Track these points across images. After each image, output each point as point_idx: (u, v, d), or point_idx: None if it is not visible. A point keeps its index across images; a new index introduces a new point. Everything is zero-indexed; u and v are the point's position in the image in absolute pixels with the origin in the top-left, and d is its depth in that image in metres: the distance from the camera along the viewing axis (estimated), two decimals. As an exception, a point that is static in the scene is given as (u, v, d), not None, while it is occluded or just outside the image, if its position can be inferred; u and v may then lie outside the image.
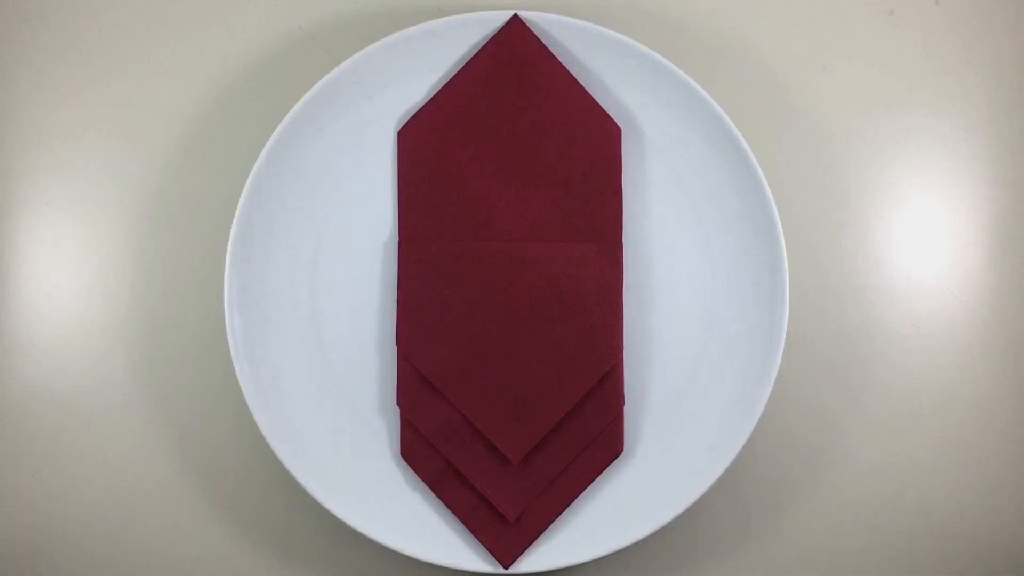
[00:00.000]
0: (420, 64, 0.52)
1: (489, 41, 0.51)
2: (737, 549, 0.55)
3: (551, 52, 0.51)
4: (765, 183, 0.51)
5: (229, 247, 0.51)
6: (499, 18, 0.51)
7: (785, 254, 0.51)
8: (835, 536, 0.54)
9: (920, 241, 0.57)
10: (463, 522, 0.51)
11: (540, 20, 0.51)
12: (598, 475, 0.51)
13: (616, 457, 0.51)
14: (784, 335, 0.51)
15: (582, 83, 0.52)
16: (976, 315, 0.56)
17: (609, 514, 0.51)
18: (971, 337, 0.56)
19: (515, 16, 0.51)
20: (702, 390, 0.52)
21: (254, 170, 0.51)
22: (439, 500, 0.51)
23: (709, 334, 0.52)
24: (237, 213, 0.51)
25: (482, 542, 0.51)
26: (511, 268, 0.51)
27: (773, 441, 0.55)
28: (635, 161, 0.52)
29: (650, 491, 0.51)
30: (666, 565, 0.55)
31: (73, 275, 0.55)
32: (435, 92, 0.52)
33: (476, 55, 0.52)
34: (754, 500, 0.55)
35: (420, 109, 0.52)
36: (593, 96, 0.52)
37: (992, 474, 0.55)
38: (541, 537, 0.51)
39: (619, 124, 0.52)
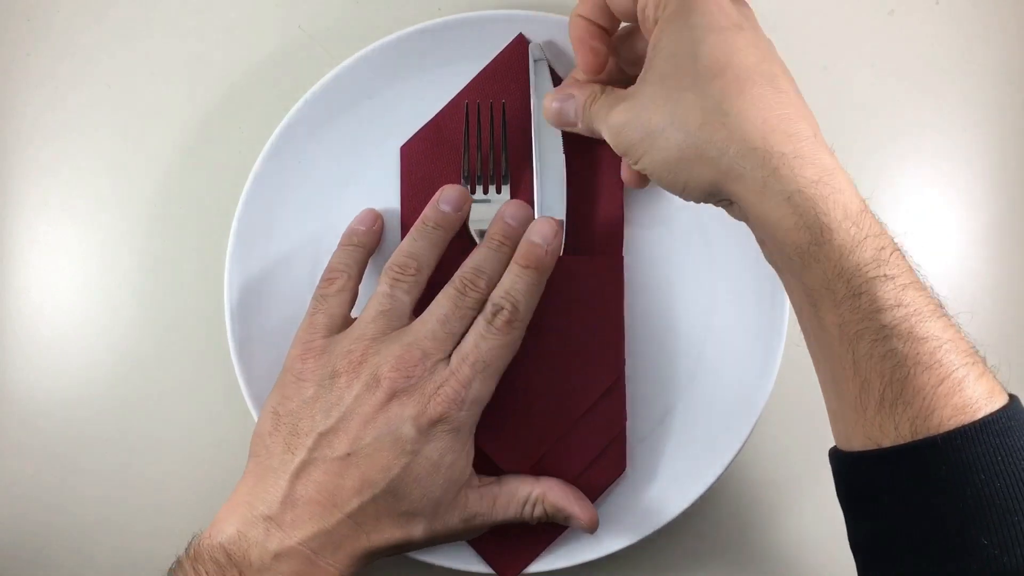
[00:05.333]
0: (420, 64, 0.52)
1: (492, 60, 0.51)
2: (737, 549, 0.55)
3: (554, 69, 0.51)
4: (765, 183, 0.51)
5: (229, 247, 0.51)
6: (498, 18, 0.51)
7: (785, 254, 0.51)
8: (834, 536, 0.54)
9: (920, 241, 0.57)
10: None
11: (540, 20, 0.51)
12: (600, 493, 0.51)
13: (619, 476, 0.51)
14: (784, 335, 0.51)
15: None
16: (976, 315, 0.56)
17: (609, 515, 0.51)
18: (971, 337, 0.56)
19: (520, 35, 0.51)
20: (702, 391, 0.52)
21: (254, 170, 0.51)
22: None
23: (709, 335, 0.52)
24: (237, 213, 0.51)
25: (484, 557, 0.50)
26: None
27: (773, 441, 0.55)
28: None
29: (650, 491, 0.51)
30: (667, 565, 0.55)
31: (73, 275, 0.55)
32: (436, 100, 0.52)
33: (479, 74, 0.51)
34: (754, 500, 0.55)
35: (423, 126, 0.52)
36: None
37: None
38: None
39: None
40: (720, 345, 0.52)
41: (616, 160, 0.50)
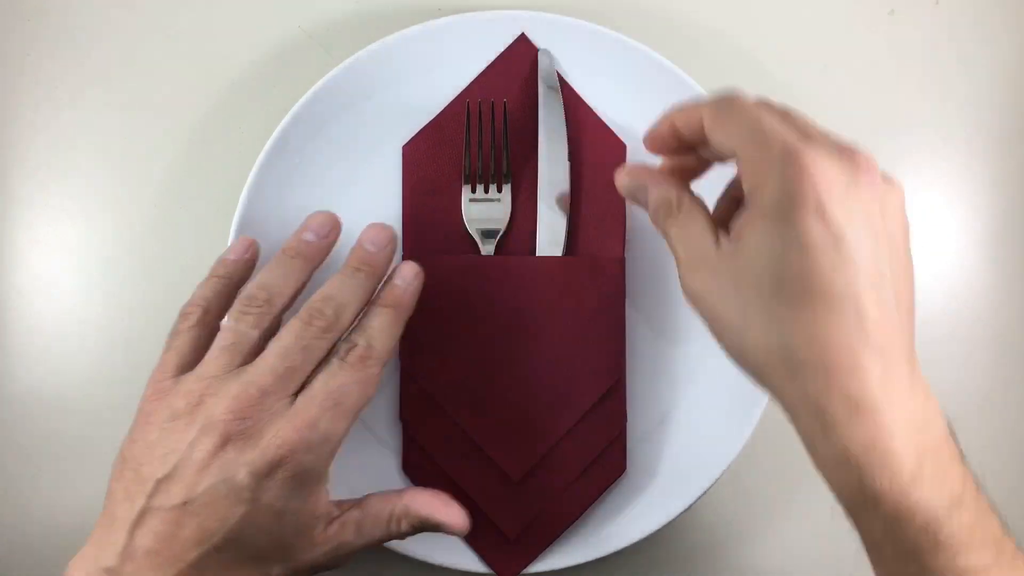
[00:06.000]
0: (420, 64, 0.52)
1: (495, 60, 0.51)
2: (737, 550, 0.55)
3: (561, 75, 0.51)
4: (765, 183, 0.51)
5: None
6: (499, 18, 0.51)
7: (785, 254, 0.51)
8: (833, 537, 0.54)
9: (920, 241, 0.57)
10: (464, 537, 0.50)
11: (541, 20, 0.51)
12: (600, 494, 0.51)
13: (618, 476, 0.51)
14: (784, 335, 0.51)
15: (584, 86, 0.52)
16: (976, 315, 0.56)
17: (609, 515, 0.51)
18: (971, 337, 0.56)
19: (523, 35, 0.51)
20: (702, 391, 0.52)
21: (254, 170, 0.51)
22: None
23: (709, 336, 0.52)
24: (237, 213, 0.51)
25: (483, 557, 0.50)
26: (514, 283, 0.50)
27: (773, 442, 0.55)
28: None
29: (650, 492, 0.51)
30: (667, 565, 0.55)
31: (73, 275, 0.55)
32: (436, 100, 0.52)
33: (482, 73, 0.51)
34: (754, 501, 0.55)
35: (425, 126, 0.52)
36: (597, 112, 0.52)
37: (990, 472, 0.55)
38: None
39: (622, 137, 0.52)
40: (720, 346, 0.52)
41: (618, 161, 0.50)
